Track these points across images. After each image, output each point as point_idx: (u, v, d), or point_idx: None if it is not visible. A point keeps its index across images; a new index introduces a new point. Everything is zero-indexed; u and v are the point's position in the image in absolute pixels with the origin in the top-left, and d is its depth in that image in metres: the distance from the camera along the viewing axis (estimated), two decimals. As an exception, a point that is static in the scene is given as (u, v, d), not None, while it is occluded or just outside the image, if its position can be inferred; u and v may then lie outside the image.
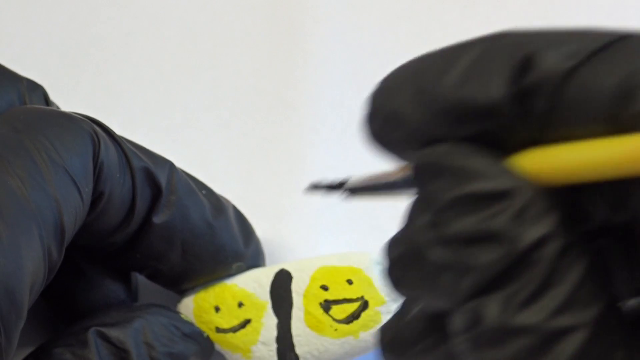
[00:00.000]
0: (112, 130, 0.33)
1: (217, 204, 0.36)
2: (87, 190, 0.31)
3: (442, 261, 0.21)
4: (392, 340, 0.27)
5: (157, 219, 0.34)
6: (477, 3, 0.47)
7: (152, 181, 0.34)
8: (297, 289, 0.36)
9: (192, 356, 0.35)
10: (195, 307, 0.37)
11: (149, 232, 0.34)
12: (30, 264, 0.28)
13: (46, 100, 0.34)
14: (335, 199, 0.42)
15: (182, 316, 0.35)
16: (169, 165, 0.35)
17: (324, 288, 0.36)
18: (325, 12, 0.47)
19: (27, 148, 0.30)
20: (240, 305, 0.36)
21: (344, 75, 0.45)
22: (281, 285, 0.37)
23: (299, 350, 0.35)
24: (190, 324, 0.35)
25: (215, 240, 0.36)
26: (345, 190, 0.28)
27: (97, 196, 0.32)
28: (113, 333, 0.33)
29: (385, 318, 0.36)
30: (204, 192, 0.36)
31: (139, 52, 0.47)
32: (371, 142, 0.24)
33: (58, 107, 0.35)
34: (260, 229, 0.40)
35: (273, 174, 0.42)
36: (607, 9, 0.46)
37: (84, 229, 0.32)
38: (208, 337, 0.36)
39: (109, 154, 0.32)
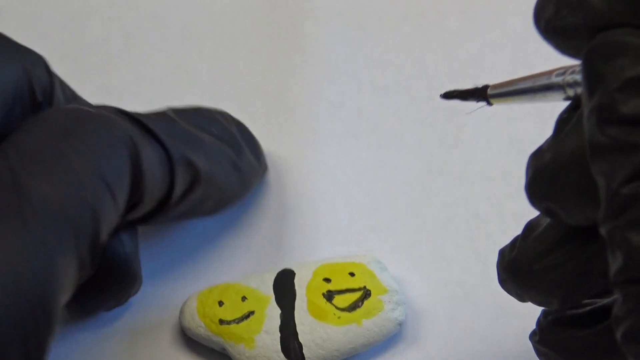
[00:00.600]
0: (146, 121, 0.32)
1: (232, 140, 0.37)
2: (121, 201, 0.30)
3: (607, 142, 0.22)
4: (512, 261, 0.28)
5: (198, 188, 0.34)
6: (476, 3, 0.47)
7: (191, 168, 0.34)
8: (300, 282, 0.37)
9: None
10: (198, 303, 0.37)
11: (185, 199, 0.34)
12: (63, 276, 0.28)
13: (48, 72, 0.33)
14: (339, 196, 0.42)
15: None
16: (197, 138, 0.35)
17: (327, 280, 0.36)
18: (325, 12, 0.47)
19: (67, 157, 0.29)
20: (243, 299, 0.37)
21: (344, 76, 0.45)
22: (284, 280, 0.37)
23: (302, 338, 0.35)
24: None
25: (243, 179, 0.37)
26: (484, 96, 0.28)
27: (136, 201, 0.31)
28: None
29: (388, 307, 0.36)
30: (215, 132, 0.36)
31: (139, 53, 0.47)
32: (541, 29, 0.24)
33: (59, 78, 0.34)
34: (261, 230, 0.40)
35: (273, 174, 0.42)
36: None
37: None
38: None
39: (149, 157, 0.31)
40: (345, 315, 0.36)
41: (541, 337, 0.30)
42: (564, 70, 0.26)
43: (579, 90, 0.25)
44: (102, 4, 0.48)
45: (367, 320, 0.36)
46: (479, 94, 0.29)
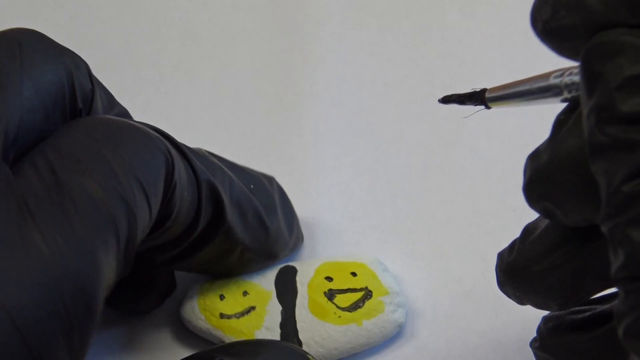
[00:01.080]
0: (179, 143, 0.32)
1: (267, 200, 0.36)
2: (155, 208, 0.30)
3: (607, 141, 0.22)
4: (511, 263, 0.28)
5: (221, 229, 0.34)
6: (476, 3, 0.47)
7: (216, 195, 0.33)
8: (302, 279, 0.37)
9: None
10: (199, 296, 0.37)
11: (210, 243, 0.34)
12: (105, 271, 0.28)
13: (90, 78, 0.32)
14: (339, 196, 0.42)
15: (309, 357, 0.34)
16: (228, 175, 0.34)
17: (328, 279, 0.37)
18: (325, 12, 0.47)
19: (106, 158, 0.29)
20: (245, 294, 0.37)
21: (344, 76, 0.45)
22: (286, 276, 0.37)
23: (302, 336, 0.35)
24: None
25: (268, 241, 0.36)
26: (482, 100, 0.28)
27: (165, 214, 0.31)
28: None
29: (389, 308, 0.36)
30: (252, 186, 0.36)
31: (140, 52, 0.47)
32: (538, 31, 0.24)
33: (101, 84, 0.34)
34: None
35: (273, 175, 0.42)
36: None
37: (143, 243, 0.32)
38: None
39: (180, 173, 0.31)
40: (346, 315, 0.36)
41: (541, 343, 0.30)
42: (561, 72, 0.26)
43: (577, 92, 0.25)
44: (102, 3, 0.48)
45: (368, 321, 0.36)
46: (477, 97, 0.29)
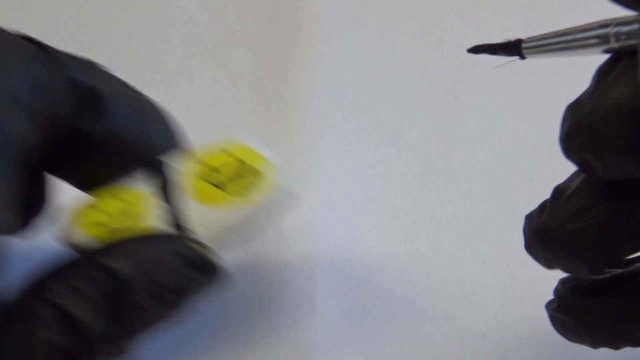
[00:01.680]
0: (39, 41, 0.32)
1: (141, 103, 0.36)
2: (42, 109, 0.29)
3: None
4: (543, 223, 0.27)
5: (92, 127, 0.33)
6: (476, 4, 0.47)
7: (80, 88, 0.32)
8: (179, 174, 0.35)
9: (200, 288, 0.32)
10: (71, 214, 0.34)
11: (81, 142, 0.33)
12: None
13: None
14: (338, 193, 0.42)
15: (196, 246, 0.32)
16: (96, 68, 0.34)
17: (205, 165, 0.34)
18: (325, 10, 0.47)
19: None
20: (120, 198, 0.34)
21: (344, 74, 0.45)
22: (159, 172, 0.35)
23: (192, 227, 0.33)
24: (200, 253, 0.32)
25: (143, 135, 0.35)
26: (518, 50, 0.27)
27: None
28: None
29: (276, 180, 0.34)
30: (129, 92, 0.35)
31: (140, 52, 0.47)
32: None
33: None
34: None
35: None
36: (602, 10, 0.46)
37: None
38: (222, 268, 0.32)
39: (46, 69, 0.31)
40: (234, 195, 0.34)
41: (559, 304, 0.29)
42: (608, 22, 0.25)
43: (626, 40, 0.25)
44: (102, 3, 0.48)
45: (259, 196, 0.34)
46: (512, 47, 0.28)
